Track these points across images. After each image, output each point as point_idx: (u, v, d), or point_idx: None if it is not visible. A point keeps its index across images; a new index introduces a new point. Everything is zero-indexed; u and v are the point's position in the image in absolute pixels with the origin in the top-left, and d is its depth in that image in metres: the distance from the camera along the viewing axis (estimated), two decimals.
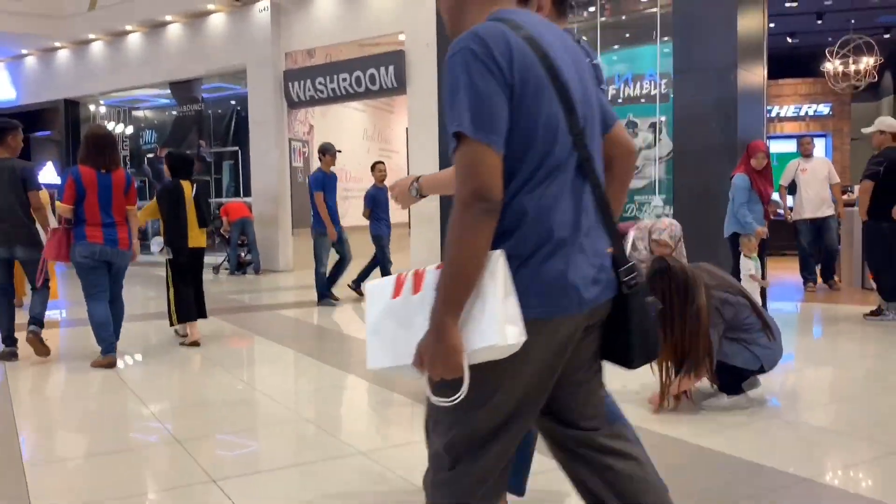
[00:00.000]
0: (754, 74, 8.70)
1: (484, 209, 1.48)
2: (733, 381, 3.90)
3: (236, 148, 13.78)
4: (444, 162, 10.47)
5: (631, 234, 5.25)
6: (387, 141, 16.30)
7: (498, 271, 1.51)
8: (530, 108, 1.55)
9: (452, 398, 1.52)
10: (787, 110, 15.75)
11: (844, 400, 4.28)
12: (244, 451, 3.56)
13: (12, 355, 5.61)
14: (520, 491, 2.54)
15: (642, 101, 9.33)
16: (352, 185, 14.65)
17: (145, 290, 10.15)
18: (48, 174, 18.12)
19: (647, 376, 4.06)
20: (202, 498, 2.88)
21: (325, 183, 8.22)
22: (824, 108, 16.35)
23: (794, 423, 3.78)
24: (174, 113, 14.73)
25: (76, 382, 5.05)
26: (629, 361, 1.74)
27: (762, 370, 3.86)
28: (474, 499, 1.64)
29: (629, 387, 4.35)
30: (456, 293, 1.50)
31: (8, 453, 3.45)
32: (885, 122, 6.69)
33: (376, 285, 1.72)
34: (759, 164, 6.56)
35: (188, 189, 6.10)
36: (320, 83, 11.90)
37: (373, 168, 9.14)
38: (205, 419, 4.07)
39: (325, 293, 8.55)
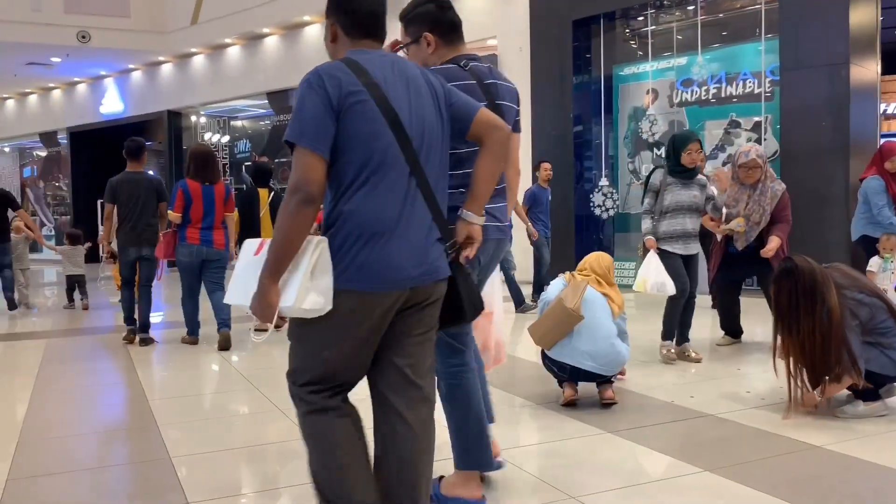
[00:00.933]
0: (867, 70, 8.33)
1: (301, 199, 1.96)
2: (874, 385, 3.72)
3: None
4: (536, 163, 10.42)
5: (711, 189, 5.28)
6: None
7: (312, 252, 1.98)
8: (353, 126, 2.03)
9: (262, 337, 2.31)
10: (890, 107, 14.96)
11: None
12: None
13: (149, 341, 6.44)
14: (490, 466, 2.74)
15: (744, 100, 9.06)
16: None
17: None
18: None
19: (774, 381, 3.94)
20: None
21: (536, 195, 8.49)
22: None
23: None
24: (271, 122, 15.22)
25: (199, 377, 5.27)
26: (462, 318, 2.31)
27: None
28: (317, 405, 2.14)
29: (756, 391, 4.23)
30: (276, 262, 1.99)
31: (150, 445, 3.62)
32: None
33: (250, 242, 2.21)
34: (893, 167, 6.24)
35: (264, 196, 6.90)
36: None
37: (537, 167, 8.65)
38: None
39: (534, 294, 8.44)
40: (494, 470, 2.79)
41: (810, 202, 7.73)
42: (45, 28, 14.26)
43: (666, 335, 5.14)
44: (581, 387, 4.11)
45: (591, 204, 10.03)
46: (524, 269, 8.81)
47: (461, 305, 2.26)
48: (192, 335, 6.36)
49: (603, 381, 4.05)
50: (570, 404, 4.03)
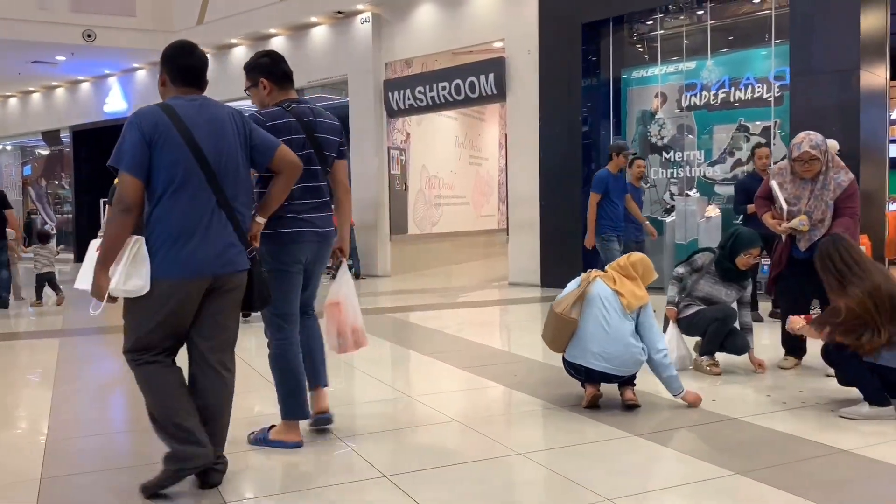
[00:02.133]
0: (876, 76, 8.38)
1: (121, 209, 2.77)
2: (882, 389, 3.73)
3: None
4: (544, 168, 10.46)
5: (773, 185, 4.86)
6: (477, 149, 16.40)
7: (132, 248, 2.77)
8: (161, 154, 2.81)
9: (96, 312, 2.89)
10: (895, 114, 15.05)
11: None
12: (409, 448, 3.65)
13: None
14: (304, 416, 3.55)
15: (753, 104, 9.10)
16: (445, 191, 14.82)
17: None
18: None
19: (794, 385, 3.96)
20: (378, 494, 2.97)
21: (608, 184, 7.45)
22: None
23: None
24: None
25: None
26: (252, 307, 3.10)
27: None
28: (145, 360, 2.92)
29: (776, 395, 4.25)
30: (104, 256, 2.78)
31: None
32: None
33: (94, 242, 2.94)
34: None
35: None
36: (420, 92, 12.08)
37: (630, 164, 7.96)
38: (363, 418, 4.19)
39: None
40: (310, 420, 3.62)
41: None
42: (50, 27, 14.24)
43: (703, 353, 4.99)
44: (604, 389, 4.13)
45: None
46: None
47: (251, 296, 3.06)
48: None
49: (624, 381, 4.07)
50: (593, 406, 4.05)
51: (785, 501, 2.78)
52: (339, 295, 3.63)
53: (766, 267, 6.87)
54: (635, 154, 8.40)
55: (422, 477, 3.13)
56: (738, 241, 4.87)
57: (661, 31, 9.96)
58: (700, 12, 9.57)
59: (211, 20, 14.47)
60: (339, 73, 13.05)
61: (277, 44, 14.04)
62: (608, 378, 4.03)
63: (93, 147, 18.31)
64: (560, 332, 4.04)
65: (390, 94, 12.48)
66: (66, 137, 19.28)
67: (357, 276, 12.32)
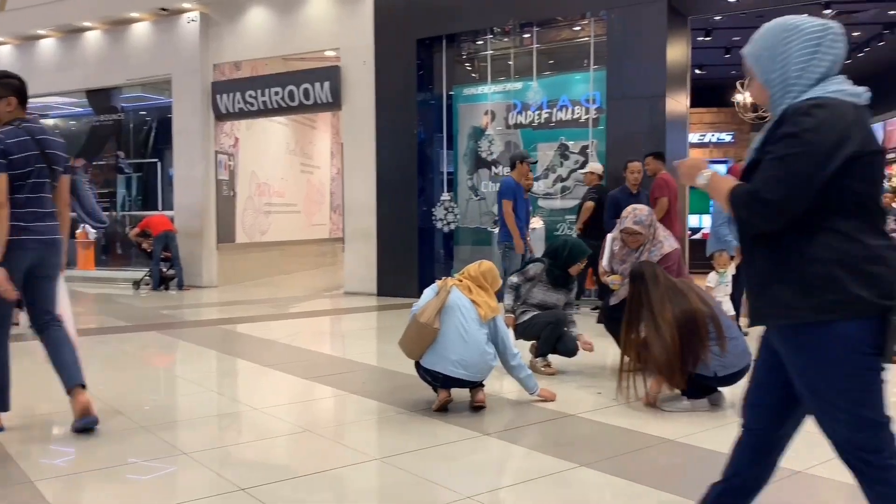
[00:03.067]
0: (679, 103, 9.31)
1: None
2: (692, 386, 4.18)
3: (156, 160, 13.37)
4: (381, 178, 10.57)
5: (608, 239, 5.28)
6: (309, 156, 16.22)
7: None
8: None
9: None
10: (693, 137, 16.79)
11: None
12: (263, 460, 3.55)
13: None
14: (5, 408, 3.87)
15: (573, 125, 9.76)
16: (275, 199, 14.50)
17: None
18: None
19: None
20: None
21: (517, 192, 7.44)
22: (727, 136, 17.55)
23: None
24: (89, 122, 14.13)
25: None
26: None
27: (716, 378, 4.11)
28: None
29: (606, 393, 4.59)
30: None
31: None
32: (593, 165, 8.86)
33: None
34: None
35: None
36: (251, 96, 11.76)
37: (625, 168, 8.04)
38: (207, 433, 4.01)
39: None
40: (75, 424, 3.80)
41: None
42: None
43: (538, 355, 5.30)
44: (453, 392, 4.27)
45: (433, 217, 10.32)
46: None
47: None
48: None
49: (475, 385, 4.23)
50: (443, 409, 4.17)
51: (627, 487, 3.04)
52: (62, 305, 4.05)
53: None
54: (535, 162, 8.45)
55: (281, 488, 3.07)
56: (574, 253, 5.28)
57: (491, 52, 10.44)
58: (526, 36, 10.14)
59: (16, 7, 13.20)
60: (162, 73, 12.41)
61: (93, 38, 13.12)
62: (463, 384, 4.17)
63: None
64: (420, 340, 4.13)
65: (219, 96, 12.04)
66: None
67: (180, 286, 11.72)
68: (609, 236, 5.25)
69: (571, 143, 9.77)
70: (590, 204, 8.49)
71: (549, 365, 5.28)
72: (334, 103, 11.14)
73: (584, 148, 9.65)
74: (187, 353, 6.68)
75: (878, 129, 16.24)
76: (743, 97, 13.76)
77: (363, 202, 10.76)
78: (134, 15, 12.38)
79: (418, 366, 4.26)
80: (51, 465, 3.47)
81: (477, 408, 4.20)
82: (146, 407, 4.49)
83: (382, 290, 10.45)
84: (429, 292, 4.32)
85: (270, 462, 3.54)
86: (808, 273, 1.87)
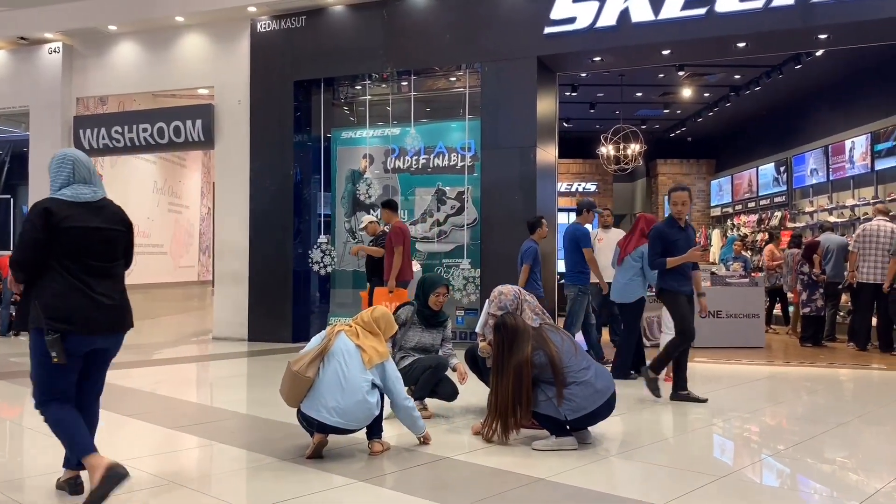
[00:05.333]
0: (548, 153, 9.75)
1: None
2: (554, 424, 4.34)
3: (8, 196, 12.49)
4: (255, 219, 10.36)
5: (485, 309, 5.34)
6: (177, 195, 15.65)
7: None
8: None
9: None
10: (561, 186, 17.59)
11: (666, 439, 4.92)
12: None
13: None
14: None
15: (449, 171, 10.00)
16: (140, 239, 13.83)
17: None
18: None
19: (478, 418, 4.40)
20: None
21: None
22: (591, 186, 18.51)
23: (634, 458, 4.31)
24: None
25: None
26: None
27: (567, 420, 4.28)
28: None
29: (473, 435, 4.65)
30: None
31: None
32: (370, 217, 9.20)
33: None
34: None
35: None
36: (117, 132, 11.27)
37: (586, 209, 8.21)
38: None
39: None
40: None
41: (506, 264, 8.63)
42: None
43: (416, 398, 5.23)
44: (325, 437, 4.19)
45: (310, 260, 10.19)
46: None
47: None
48: None
49: (372, 434, 4.19)
50: (317, 455, 4.08)
51: None
52: None
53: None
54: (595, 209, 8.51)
55: None
56: (425, 285, 5.44)
57: (369, 97, 10.57)
58: (404, 83, 10.36)
59: None
60: (19, 104, 11.71)
61: None
62: (339, 431, 4.11)
63: None
64: (295, 388, 4.05)
65: (82, 131, 11.46)
66: None
67: (17, 332, 10.89)
68: (487, 303, 5.29)
69: (448, 188, 9.98)
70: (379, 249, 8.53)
71: (425, 408, 5.29)
72: (207, 142, 10.87)
73: (460, 194, 9.89)
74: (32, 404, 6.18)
75: (725, 182, 17.69)
76: (606, 149, 14.59)
77: (235, 243, 10.48)
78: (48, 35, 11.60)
79: (299, 410, 4.16)
80: None
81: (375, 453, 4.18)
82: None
83: (253, 335, 10.15)
84: (315, 339, 4.26)
85: None
86: None
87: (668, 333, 7.06)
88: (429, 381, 5.23)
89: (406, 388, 5.40)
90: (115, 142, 11.34)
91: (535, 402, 4.31)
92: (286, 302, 10.09)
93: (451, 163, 10.00)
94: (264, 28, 10.40)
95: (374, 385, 4.16)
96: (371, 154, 10.47)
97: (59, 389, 3.37)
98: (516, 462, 4.06)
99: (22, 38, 11.44)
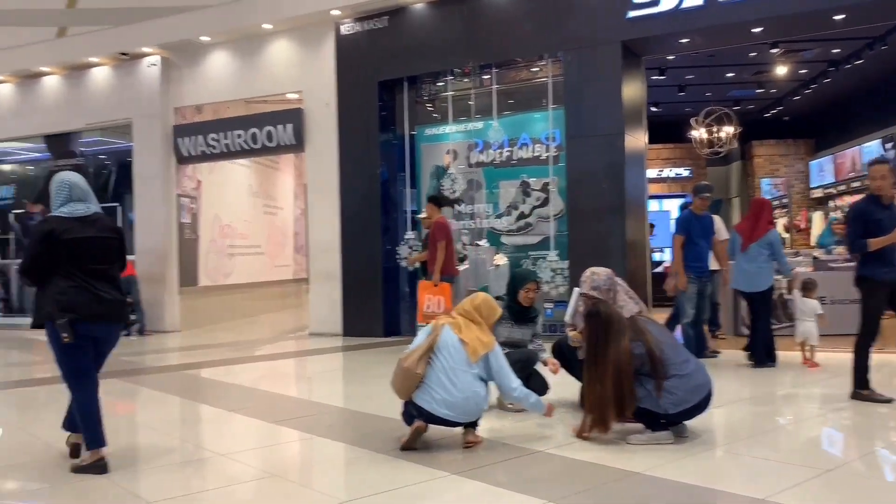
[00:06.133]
0: (637, 140, 9.54)
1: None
2: (651, 418, 4.25)
3: (116, 204, 13.22)
4: (345, 218, 10.59)
5: (574, 293, 5.26)
6: (272, 197, 16.18)
7: None
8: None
9: None
10: (651, 173, 17.15)
11: (768, 432, 4.75)
12: None
13: None
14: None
15: (533, 163, 9.92)
16: (239, 241, 14.41)
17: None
18: None
19: (575, 419, 4.36)
20: None
21: (690, 225, 7.32)
22: (684, 171, 17.97)
23: (732, 452, 4.18)
24: (46, 167, 13.95)
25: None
26: None
27: (668, 415, 4.18)
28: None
29: (566, 427, 4.62)
30: None
31: None
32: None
33: None
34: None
35: None
36: (213, 139, 11.76)
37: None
38: (171, 480, 3.93)
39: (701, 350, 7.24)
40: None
41: (593, 256, 8.52)
42: None
43: None
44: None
45: (398, 256, 10.35)
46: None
47: None
48: None
49: (461, 425, 4.23)
50: (411, 448, 4.15)
51: None
52: None
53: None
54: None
55: None
56: (515, 280, 5.39)
57: (451, 93, 10.62)
58: (486, 77, 10.35)
59: None
60: (123, 116, 12.35)
61: (51, 83, 13.05)
62: (448, 423, 4.17)
63: None
64: (406, 383, 4.16)
65: (180, 140, 12.01)
66: None
67: (142, 332, 11.53)
68: (576, 291, 5.20)
69: (533, 180, 9.92)
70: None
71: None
72: (297, 145, 11.19)
73: (546, 185, 9.80)
74: (149, 400, 6.56)
75: (826, 162, 16.83)
76: (699, 133, 14.14)
77: (327, 242, 10.76)
78: (94, 60, 12.35)
79: (409, 400, 4.24)
80: None
81: (469, 447, 4.21)
82: (115, 455, 4.39)
83: (348, 331, 10.40)
84: (421, 334, 4.35)
85: None
86: None
87: (805, 320, 6.83)
88: (518, 376, 5.22)
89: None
90: (211, 148, 11.83)
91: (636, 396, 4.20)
92: (377, 298, 10.28)
93: (535, 154, 9.93)
94: (348, 30, 10.61)
95: (481, 378, 4.19)
96: (455, 149, 10.53)
97: (80, 368, 3.99)
98: (610, 456, 4.01)
99: (123, 54, 12.07)
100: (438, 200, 8.86)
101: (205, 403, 6.20)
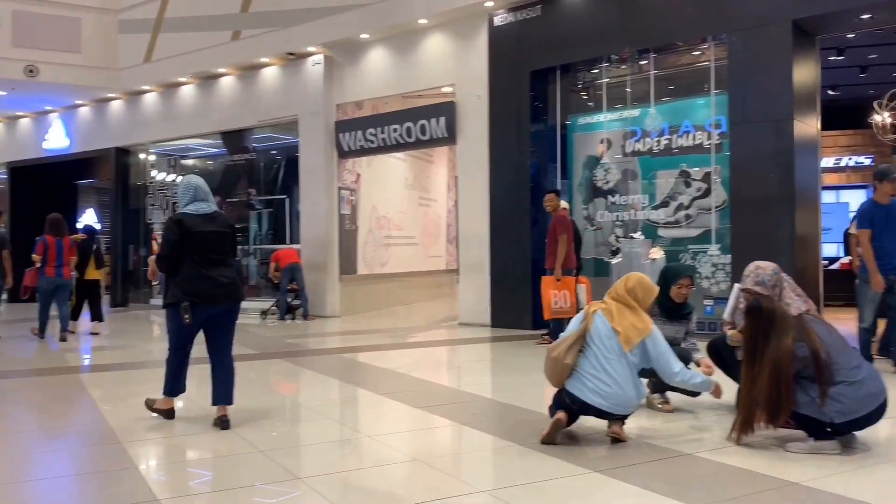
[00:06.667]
0: (809, 126, 8.84)
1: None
2: (814, 426, 3.90)
3: (284, 196, 14.07)
4: (495, 210, 10.64)
5: (735, 289, 4.97)
6: (426, 190, 16.58)
7: None
8: None
9: None
10: (827, 161, 15.84)
11: None
12: (369, 488, 3.62)
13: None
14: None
15: (694, 151, 9.46)
16: (394, 232, 14.89)
17: None
18: (89, 219, 18.54)
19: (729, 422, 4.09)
20: None
21: (874, 216, 6.42)
22: (865, 160, 16.45)
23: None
24: (223, 162, 15.09)
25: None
26: None
27: (833, 424, 3.83)
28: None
29: (720, 431, 4.37)
30: None
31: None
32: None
33: None
34: None
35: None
36: (371, 133, 12.20)
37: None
38: (323, 459, 4.14)
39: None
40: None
41: (758, 250, 7.99)
42: None
43: (656, 390, 5.07)
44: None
45: None
46: None
47: None
48: (42, 331, 9.74)
49: (615, 417, 4.13)
50: (551, 441, 4.09)
51: None
52: None
53: None
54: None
55: None
56: (667, 275, 5.12)
57: (606, 80, 10.34)
58: (643, 62, 9.98)
59: (159, 58, 14.37)
60: (290, 114, 13.09)
61: (226, 83, 14.04)
62: (601, 414, 4.09)
63: (30, 184, 17.83)
64: (556, 372, 4.12)
65: (341, 135, 12.56)
66: (1, 174, 18.72)
67: (305, 316, 12.21)
68: (736, 287, 4.91)
69: (694, 169, 9.46)
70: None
71: (666, 402, 5.08)
72: (449, 138, 11.36)
73: (707, 174, 9.33)
74: (310, 381, 6.92)
75: None
76: (881, 117, 12.88)
77: (477, 234, 10.85)
78: (264, 60, 13.17)
79: (563, 388, 4.19)
80: (184, 484, 3.68)
81: (614, 440, 4.11)
82: (273, 433, 4.69)
83: (496, 322, 10.45)
84: (574, 321, 4.29)
85: (370, 491, 3.59)
86: None
87: None
88: None
89: (645, 381, 5.24)
90: (369, 143, 12.28)
91: (795, 401, 3.89)
92: (525, 289, 10.24)
93: (696, 142, 9.46)
94: (501, 21, 10.61)
95: (638, 368, 4.07)
96: (609, 138, 10.25)
97: (184, 343, 4.81)
98: (767, 464, 3.74)
99: (290, 54, 12.79)
100: (559, 192, 8.91)
101: (360, 387, 6.46)
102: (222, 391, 4.76)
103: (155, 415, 4.91)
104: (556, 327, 8.27)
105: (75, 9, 14.63)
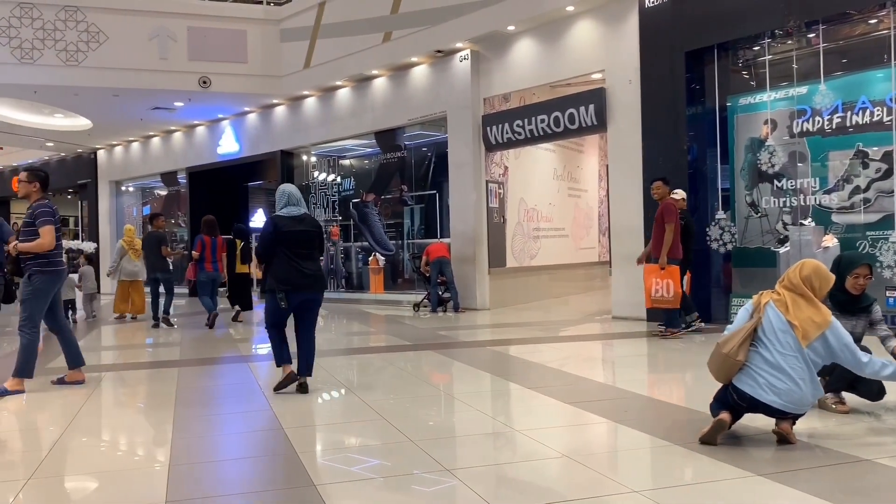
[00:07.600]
0: None
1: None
2: None
3: (434, 191, 14.33)
4: (648, 199, 10.24)
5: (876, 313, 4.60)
6: (576, 180, 16.28)
7: None
8: None
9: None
10: None
11: None
12: (518, 482, 3.60)
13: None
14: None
15: (872, 128, 8.63)
16: (543, 224, 14.75)
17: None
18: (259, 219, 19.82)
19: None
20: None
21: None
22: None
23: None
24: (377, 161, 15.62)
25: (327, 412, 5.39)
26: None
27: None
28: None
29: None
30: None
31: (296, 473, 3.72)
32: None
33: None
34: None
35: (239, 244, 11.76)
36: (518, 125, 12.14)
37: None
38: (475, 451, 4.18)
39: None
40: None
41: None
42: (170, 75, 15.21)
43: (829, 390, 4.72)
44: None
45: (708, 238, 9.74)
46: None
47: None
48: (212, 318, 10.91)
49: (786, 416, 3.87)
50: (710, 441, 3.87)
51: None
52: None
53: None
54: None
55: None
56: (842, 265, 4.66)
57: (769, 57, 9.65)
58: (811, 35, 9.22)
59: (317, 64, 15.08)
60: (439, 110, 13.30)
61: (378, 84, 14.49)
62: (773, 412, 3.84)
63: (207, 186, 19.33)
64: (725, 369, 3.91)
65: (488, 128, 12.60)
66: (182, 178, 20.44)
67: (456, 309, 12.38)
68: None
69: (872, 149, 8.64)
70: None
71: (841, 402, 4.67)
72: (599, 126, 11.08)
73: (888, 154, 8.48)
74: (461, 373, 7.00)
75: None
76: None
77: (630, 225, 10.51)
78: (413, 59, 13.46)
79: (729, 384, 3.98)
80: (343, 470, 3.83)
81: (781, 440, 3.85)
82: (430, 423, 4.79)
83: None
84: (743, 313, 4.05)
85: (519, 485, 3.56)
86: None
87: None
88: (846, 374, 4.58)
89: (819, 378, 4.85)
90: (516, 135, 12.23)
91: None
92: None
93: (875, 118, 8.62)
94: (652, 2, 10.19)
95: (815, 363, 3.78)
96: (773, 119, 9.56)
97: (277, 321, 5.75)
98: None
99: (438, 52, 12.99)
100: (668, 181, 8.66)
101: (510, 380, 6.45)
102: (304, 364, 5.77)
103: (285, 390, 5.69)
104: (669, 318, 8.52)
105: (241, 21, 15.66)
